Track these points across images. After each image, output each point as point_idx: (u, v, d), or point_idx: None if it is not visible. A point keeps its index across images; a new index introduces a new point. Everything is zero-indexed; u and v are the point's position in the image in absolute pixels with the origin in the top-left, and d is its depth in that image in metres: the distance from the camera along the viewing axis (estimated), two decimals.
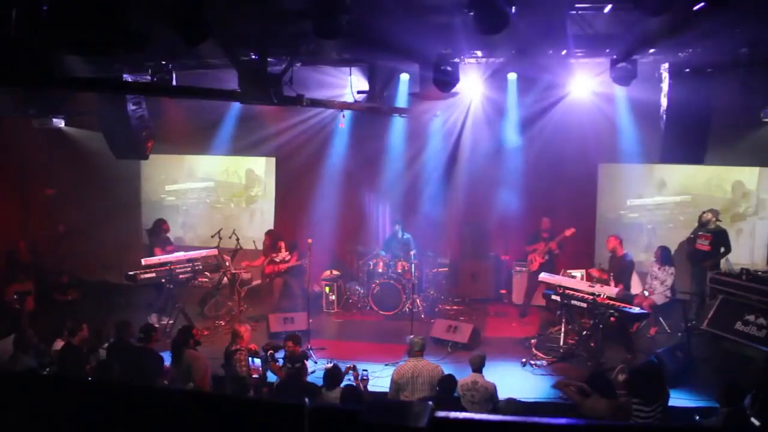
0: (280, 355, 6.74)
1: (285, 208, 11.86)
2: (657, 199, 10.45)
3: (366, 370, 6.30)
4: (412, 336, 6.54)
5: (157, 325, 8.23)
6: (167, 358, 6.85)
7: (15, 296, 8.90)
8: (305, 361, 6.78)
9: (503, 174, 10.46)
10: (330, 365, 6.42)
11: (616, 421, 5.16)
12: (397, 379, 6.14)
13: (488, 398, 5.84)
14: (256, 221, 12.00)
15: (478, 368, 6.08)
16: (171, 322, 9.09)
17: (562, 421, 2.68)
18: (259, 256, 10.49)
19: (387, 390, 6.52)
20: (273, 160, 11.97)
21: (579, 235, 9.61)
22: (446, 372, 6.17)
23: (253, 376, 6.49)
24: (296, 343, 6.79)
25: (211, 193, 12.35)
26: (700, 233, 9.09)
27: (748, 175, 9.99)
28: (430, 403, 1.90)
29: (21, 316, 8.96)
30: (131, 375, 6.23)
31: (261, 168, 12.11)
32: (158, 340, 6.90)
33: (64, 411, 2.60)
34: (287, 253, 10.15)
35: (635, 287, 9.01)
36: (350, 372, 6.22)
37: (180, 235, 11.94)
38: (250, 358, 6.52)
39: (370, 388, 6.32)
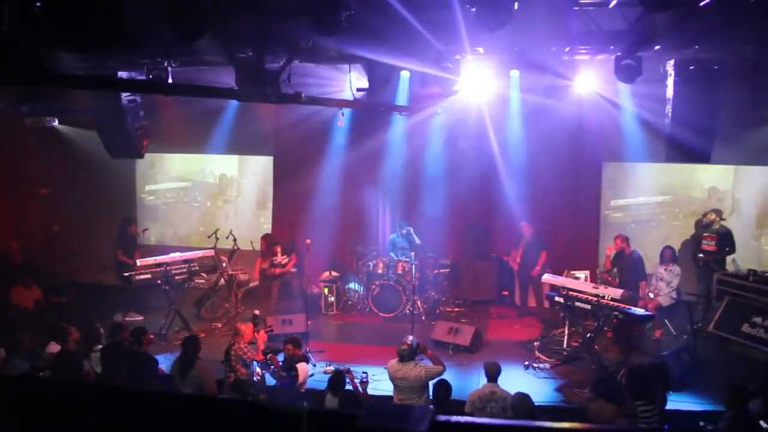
0: (279, 358, 6.62)
1: (283, 208, 11.76)
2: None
3: (366, 373, 6.19)
4: (399, 345, 6.25)
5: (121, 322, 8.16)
6: (162, 361, 6.72)
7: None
8: (305, 363, 6.66)
9: (505, 173, 10.32)
10: (331, 369, 6.28)
11: (621, 425, 5.05)
12: (389, 374, 6.16)
13: (507, 408, 5.58)
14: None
15: (494, 377, 5.80)
16: (166, 323, 8.95)
17: (566, 425, 2.56)
18: (257, 259, 10.37)
19: (387, 393, 6.41)
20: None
21: (582, 234, 9.48)
22: (447, 376, 6.02)
23: (254, 378, 6.38)
24: (296, 345, 6.66)
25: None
26: (705, 234, 9.00)
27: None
28: (432, 407, 1.79)
29: (16, 319, 8.83)
30: (126, 378, 6.11)
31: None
32: (151, 342, 6.76)
33: (63, 414, 2.51)
34: (284, 257, 10.01)
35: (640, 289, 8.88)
36: (346, 375, 6.08)
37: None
38: (253, 362, 6.42)
39: (370, 391, 6.19)
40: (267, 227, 11.80)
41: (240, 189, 12.30)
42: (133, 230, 10.36)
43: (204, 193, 12.46)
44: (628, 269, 8.86)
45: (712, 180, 10.21)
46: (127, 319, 9.13)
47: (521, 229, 9.91)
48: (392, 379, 6.11)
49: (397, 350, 6.11)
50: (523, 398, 5.37)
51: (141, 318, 9.47)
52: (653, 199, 10.55)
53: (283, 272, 10.00)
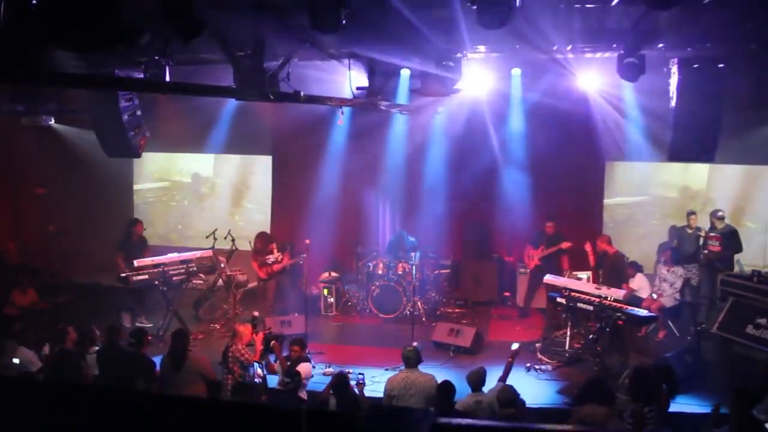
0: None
1: (282, 208, 11.72)
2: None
3: (362, 374, 6.11)
4: (405, 348, 6.15)
5: (128, 325, 8.25)
6: (159, 363, 6.64)
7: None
8: (307, 364, 6.59)
9: (507, 173, 10.26)
10: (330, 371, 6.19)
11: (617, 427, 4.99)
12: (389, 391, 5.83)
13: (495, 415, 5.48)
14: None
15: (478, 387, 5.62)
16: (164, 324, 8.85)
17: (567, 427, 2.50)
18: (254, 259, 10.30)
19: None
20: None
21: (584, 234, 9.39)
22: (446, 378, 5.92)
23: (255, 380, 6.30)
24: (303, 347, 6.60)
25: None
26: (711, 234, 8.96)
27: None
28: (432, 409, 1.73)
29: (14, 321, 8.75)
30: (123, 380, 6.03)
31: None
32: (150, 343, 6.69)
33: (62, 415, 2.48)
34: (279, 254, 9.91)
35: (643, 289, 8.79)
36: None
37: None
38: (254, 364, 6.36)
39: (369, 393, 6.12)
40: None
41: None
42: (139, 231, 10.06)
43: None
44: (611, 270, 8.72)
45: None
46: (138, 324, 8.95)
47: (545, 230, 9.72)
48: (394, 389, 5.76)
49: (402, 354, 5.95)
50: (505, 388, 5.42)
51: (150, 326, 9.29)
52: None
53: (282, 268, 9.80)
